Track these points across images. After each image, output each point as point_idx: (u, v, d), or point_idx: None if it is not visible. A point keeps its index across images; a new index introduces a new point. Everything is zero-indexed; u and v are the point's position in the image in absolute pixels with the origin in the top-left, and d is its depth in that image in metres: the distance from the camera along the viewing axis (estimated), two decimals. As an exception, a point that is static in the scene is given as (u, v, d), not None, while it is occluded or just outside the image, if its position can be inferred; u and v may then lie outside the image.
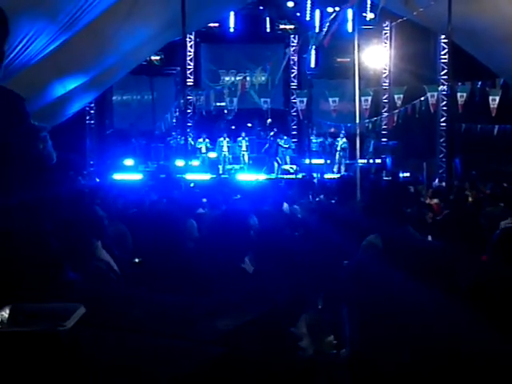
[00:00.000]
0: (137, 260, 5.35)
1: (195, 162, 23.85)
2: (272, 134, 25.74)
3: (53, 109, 19.39)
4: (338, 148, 25.44)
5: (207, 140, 25.50)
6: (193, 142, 25.40)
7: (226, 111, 26.97)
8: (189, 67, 27.56)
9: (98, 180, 20.95)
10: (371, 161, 25.17)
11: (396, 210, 5.03)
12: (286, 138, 26.20)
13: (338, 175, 23.68)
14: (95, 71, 19.38)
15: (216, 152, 25.20)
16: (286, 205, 10.23)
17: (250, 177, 21.82)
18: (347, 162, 25.36)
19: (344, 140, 25.48)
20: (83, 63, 17.98)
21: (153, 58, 27.19)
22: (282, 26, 28.25)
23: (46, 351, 2.03)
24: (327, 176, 23.95)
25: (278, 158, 25.31)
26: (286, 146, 25.51)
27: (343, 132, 25.80)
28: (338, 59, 28.15)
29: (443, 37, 25.02)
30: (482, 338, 3.43)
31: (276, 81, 27.75)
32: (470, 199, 13.12)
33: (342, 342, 4.99)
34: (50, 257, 3.08)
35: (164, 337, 2.18)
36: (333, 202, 10.77)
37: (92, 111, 27.01)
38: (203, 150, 25.24)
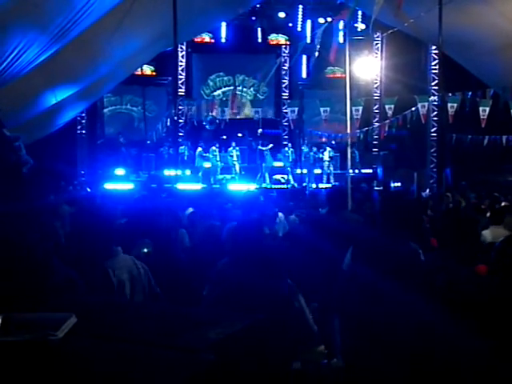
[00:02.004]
0: (146, 250, 5.32)
1: (187, 172, 23.84)
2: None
3: (44, 119, 19.37)
4: (326, 158, 25.34)
5: (201, 149, 25.39)
6: (187, 153, 25.34)
7: (217, 121, 27.00)
8: (180, 77, 27.58)
9: (89, 190, 20.90)
10: (357, 171, 25.17)
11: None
12: (292, 149, 26.23)
13: (329, 185, 23.67)
14: (86, 81, 19.36)
15: (210, 162, 25.10)
16: (281, 215, 10.22)
17: (241, 187, 21.80)
18: (337, 171, 25.36)
19: (329, 149, 25.45)
20: (74, 74, 17.96)
21: (144, 68, 27.22)
22: (273, 37, 28.33)
23: (37, 361, 2.02)
24: (319, 186, 23.92)
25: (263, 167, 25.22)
26: (264, 149, 25.35)
27: (331, 142, 25.81)
28: (330, 70, 28.27)
29: (434, 48, 25.16)
30: (479, 353, 3.44)
31: (265, 88, 27.93)
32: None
33: (333, 351, 4.99)
34: (37, 266, 3.07)
35: (154, 346, 2.17)
36: (321, 211, 10.79)
37: (83, 121, 26.96)
38: (198, 159, 25.13)
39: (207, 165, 24.92)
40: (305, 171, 25.22)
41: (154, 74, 28.07)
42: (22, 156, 14.67)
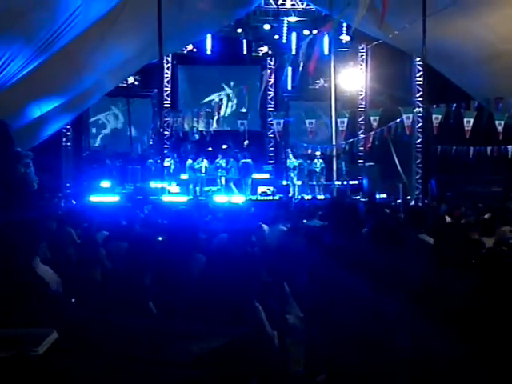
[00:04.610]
0: (160, 238, 5.50)
1: (173, 185, 23.79)
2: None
3: (29, 131, 19.28)
4: (318, 170, 25.36)
5: (191, 161, 25.20)
6: (173, 166, 25.23)
7: (204, 133, 27.01)
8: (166, 89, 27.58)
9: (74, 202, 20.79)
10: (345, 182, 25.25)
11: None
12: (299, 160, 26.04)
13: (323, 197, 23.70)
14: (71, 93, 19.32)
15: (197, 173, 24.96)
16: (265, 226, 10.16)
17: (227, 199, 21.76)
18: (323, 183, 25.39)
19: (321, 161, 25.46)
20: (59, 86, 17.92)
21: (130, 80, 27.20)
22: (258, 49, 28.37)
23: (17, 377, 1.99)
24: (306, 198, 23.88)
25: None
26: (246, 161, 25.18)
27: (315, 154, 25.84)
28: (315, 81, 28.34)
29: (418, 59, 25.28)
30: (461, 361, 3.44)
31: (257, 104, 28.07)
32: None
33: (319, 366, 4.97)
34: (18, 280, 3.03)
35: (138, 361, 2.15)
36: (307, 223, 10.76)
37: (68, 133, 26.86)
38: (188, 171, 24.97)
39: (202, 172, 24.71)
40: (299, 183, 25.29)
41: (139, 85, 28.03)
42: (30, 173, 14.67)
